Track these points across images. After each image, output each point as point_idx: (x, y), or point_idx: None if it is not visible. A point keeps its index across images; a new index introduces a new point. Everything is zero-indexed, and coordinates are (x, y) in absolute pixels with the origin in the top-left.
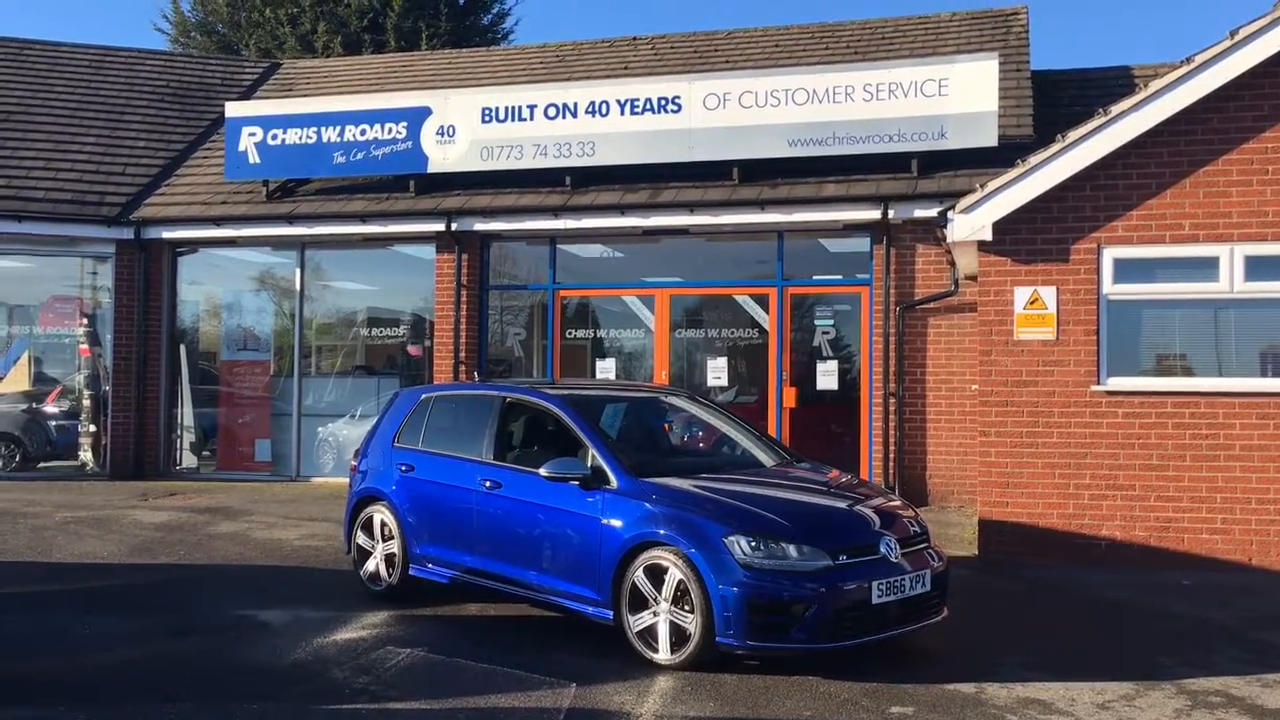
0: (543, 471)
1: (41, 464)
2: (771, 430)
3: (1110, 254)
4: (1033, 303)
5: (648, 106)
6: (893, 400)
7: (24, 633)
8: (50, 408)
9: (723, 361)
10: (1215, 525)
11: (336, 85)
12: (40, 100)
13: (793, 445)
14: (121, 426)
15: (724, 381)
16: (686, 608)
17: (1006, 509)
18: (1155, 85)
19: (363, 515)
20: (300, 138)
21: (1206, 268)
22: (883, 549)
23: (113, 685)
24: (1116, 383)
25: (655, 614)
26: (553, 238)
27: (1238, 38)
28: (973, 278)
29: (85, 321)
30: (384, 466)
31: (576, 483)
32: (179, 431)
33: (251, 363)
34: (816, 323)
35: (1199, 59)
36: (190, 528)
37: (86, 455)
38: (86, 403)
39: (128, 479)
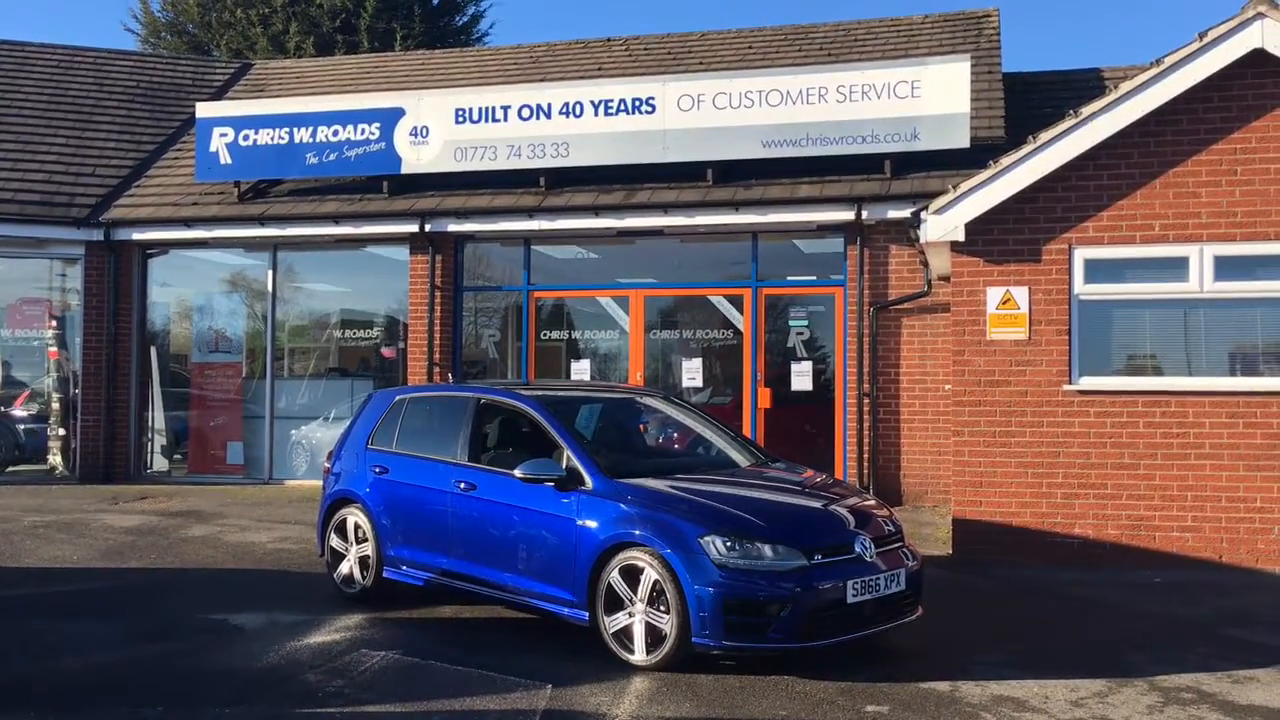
0: (518, 473)
1: (10, 468)
2: (746, 431)
3: (1081, 254)
4: (1005, 303)
5: (622, 107)
6: (867, 400)
7: None
8: (18, 411)
9: (697, 362)
10: (1186, 523)
11: (309, 86)
12: (7, 101)
13: (767, 446)
14: (91, 430)
15: (699, 382)
16: (662, 608)
17: (980, 508)
18: (1125, 87)
19: (336, 517)
20: (272, 138)
21: (1176, 268)
22: (858, 548)
23: (83, 691)
24: (1088, 382)
25: (631, 615)
26: (527, 239)
27: (1206, 40)
28: (946, 278)
29: (54, 324)
30: (358, 469)
31: (552, 484)
32: (150, 435)
33: (223, 365)
34: (791, 323)
35: (1169, 61)
36: (161, 532)
37: (56, 459)
38: (55, 406)
39: (98, 483)
